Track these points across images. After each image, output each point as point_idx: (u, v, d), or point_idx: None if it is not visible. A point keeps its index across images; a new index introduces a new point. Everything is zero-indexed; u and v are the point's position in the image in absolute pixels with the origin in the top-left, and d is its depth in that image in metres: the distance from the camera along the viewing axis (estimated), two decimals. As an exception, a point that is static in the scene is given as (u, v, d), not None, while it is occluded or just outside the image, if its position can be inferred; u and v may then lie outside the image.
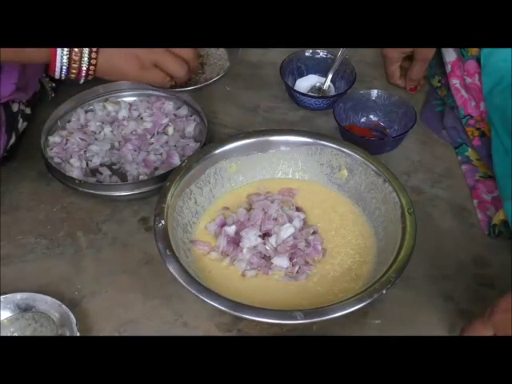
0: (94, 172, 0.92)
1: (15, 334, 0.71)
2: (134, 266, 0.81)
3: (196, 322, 0.75)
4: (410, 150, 0.97)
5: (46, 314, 0.71)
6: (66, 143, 0.94)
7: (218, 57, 0.92)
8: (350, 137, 0.93)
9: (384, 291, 0.68)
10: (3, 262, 0.81)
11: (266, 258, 0.77)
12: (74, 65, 0.72)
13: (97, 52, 0.73)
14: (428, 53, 0.97)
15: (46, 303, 0.72)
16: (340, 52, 1.03)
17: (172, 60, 0.78)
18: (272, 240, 0.78)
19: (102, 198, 0.87)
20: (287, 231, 0.78)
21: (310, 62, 1.07)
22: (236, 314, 0.66)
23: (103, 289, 0.78)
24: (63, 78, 0.74)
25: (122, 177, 0.91)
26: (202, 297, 0.67)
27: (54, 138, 0.94)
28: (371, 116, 1.00)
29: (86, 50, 0.72)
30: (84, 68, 0.73)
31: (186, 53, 0.79)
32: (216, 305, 0.66)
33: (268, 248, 0.77)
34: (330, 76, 1.05)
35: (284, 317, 0.66)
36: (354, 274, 0.76)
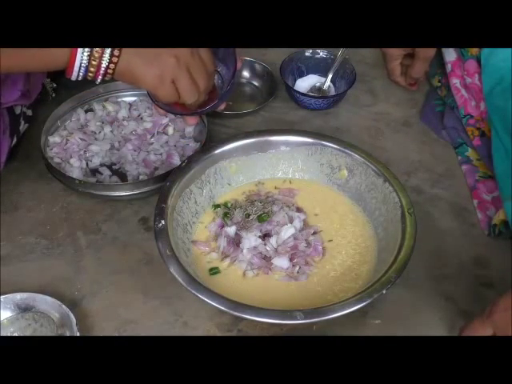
0: (94, 172, 0.91)
1: (15, 334, 0.71)
2: (134, 265, 0.81)
3: (196, 322, 0.75)
4: (410, 150, 0.98)
5: (46, 314, 0.71)
6: (66, 143, 0.94)
7: None
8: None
9: (384, 291, 0.68)
10: (3, 262, 0.81)
11: (267, 259, 0.77)
12: (93, 62, 0.68)
13: (119, 51, 0.68)
14: (429, 52, 0.97)
15: (46, 303, 0.72)
16: (340, 52, 1.03)
17: (187, 83, 0.73)
18: (272, 241, 0.78)
19: (102, 198, 0.87)
20: (287, 232, 0.78)
21: (310, 62, 1.07)
22: (236, 313, 0.66)
23: (103, 289, 0.78)
24: (80, 78, 0.71)
25: (122, 177, 0.91)
26: (202, 297, 0.67)
27: (54, 138, 0.94)
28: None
29: (107, 50, 0.68)
30: (103, 66, 0.69)
31: (203, 81, 0.75)
32: (216, 305, 0.67)
33: (268, 249, 0.77)
34: (329, 76, 1.05)
35: (284, 317, 0.66)
36: (354, 273, 0.76)
